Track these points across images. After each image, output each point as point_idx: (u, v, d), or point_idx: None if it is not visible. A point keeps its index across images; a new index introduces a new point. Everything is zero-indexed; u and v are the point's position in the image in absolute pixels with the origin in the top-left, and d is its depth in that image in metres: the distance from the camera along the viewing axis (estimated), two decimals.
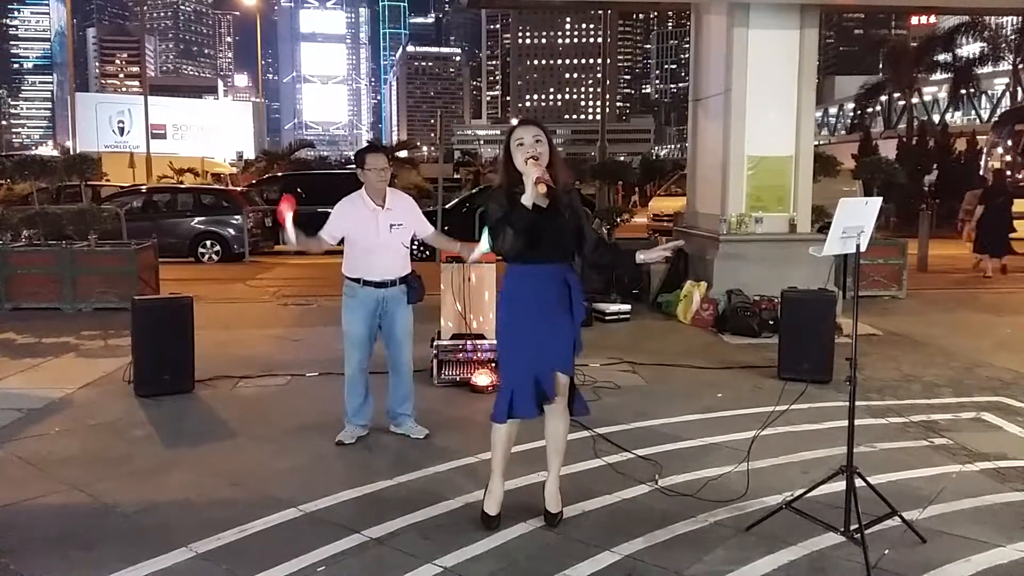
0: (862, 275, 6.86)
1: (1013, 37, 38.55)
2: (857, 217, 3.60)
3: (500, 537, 3.65)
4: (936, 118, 41.48)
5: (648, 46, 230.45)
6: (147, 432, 5.26)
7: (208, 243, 16.25)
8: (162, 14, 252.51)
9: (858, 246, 3.60)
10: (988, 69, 39.81)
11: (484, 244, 4.24)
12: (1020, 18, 31.72)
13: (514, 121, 3.85)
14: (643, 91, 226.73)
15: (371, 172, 4.83)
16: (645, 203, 25.43)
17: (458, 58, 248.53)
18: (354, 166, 5.16)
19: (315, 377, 6.61)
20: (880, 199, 3.84)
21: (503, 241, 3.53)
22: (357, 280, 4.90)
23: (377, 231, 4.83)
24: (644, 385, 6.45)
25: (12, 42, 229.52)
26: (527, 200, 3.45)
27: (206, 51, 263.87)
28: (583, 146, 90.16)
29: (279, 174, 23.81)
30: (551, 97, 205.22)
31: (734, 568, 3.39)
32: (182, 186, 23.19)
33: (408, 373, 5.08)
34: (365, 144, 9.45)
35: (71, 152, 30.93)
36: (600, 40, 49.04)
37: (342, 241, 4.94)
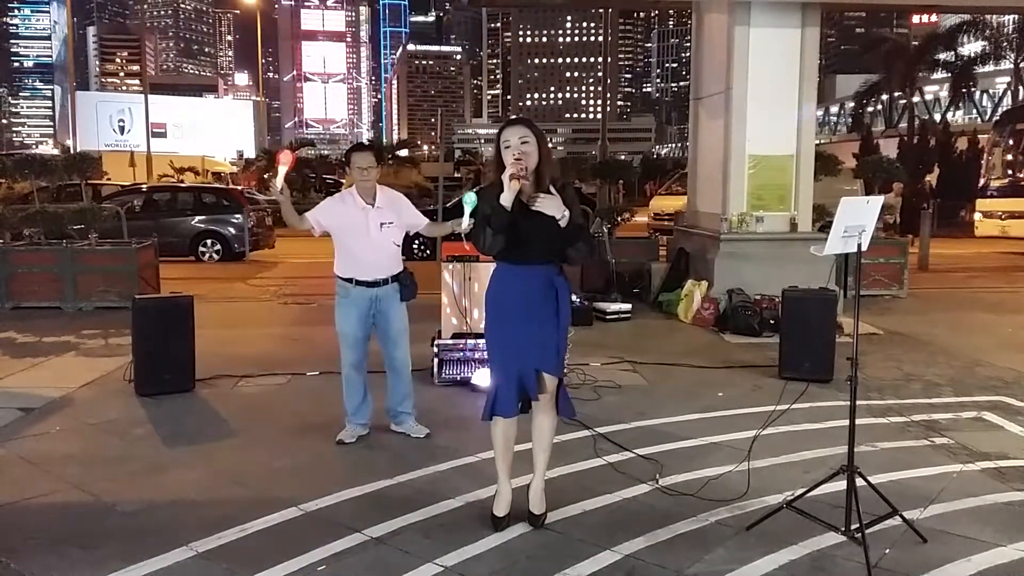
0: (863, 274, 6.85)
1: (1014, 36, 38.50)
2: (858, 216, 3.59)
3: (501, 536, 3.65)
4: (937, 117, 41.42)
5: (649, 45, 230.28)
6: (147, 431, 5.26)
7: (208, 242, 16.28)
8: (162, 12, 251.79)
9: (859, 245, 3.60)
10: (989, 68, 39.78)
11: (464, 221, 3.86)
12: (1021, 17, 31.68)
13: None
14: (644, 90, 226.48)
15: (355, 170, 4.85)
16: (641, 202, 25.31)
17: (459, 57, 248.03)
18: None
19: (315, 376, 6.60)
20: (882, 198, 3.85)
21: (483, 242, 3.50)
22: (349, 280, 4.90)
23: (367, 230, 4.83)
24: (645, 384, 6.44)
25: (12, 41, 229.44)
26: (505, 200, 3.42)
27: (206, 50, 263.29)
28: (584, 145, 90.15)
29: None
30: (552, 96, 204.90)
31: (735, 567, 3.39)
32: (182, 184, 23.10)
33: (406, 371, 5.08)
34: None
35: (71, 151, 30.93)
36: (601, 39, 49.01)
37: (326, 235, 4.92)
